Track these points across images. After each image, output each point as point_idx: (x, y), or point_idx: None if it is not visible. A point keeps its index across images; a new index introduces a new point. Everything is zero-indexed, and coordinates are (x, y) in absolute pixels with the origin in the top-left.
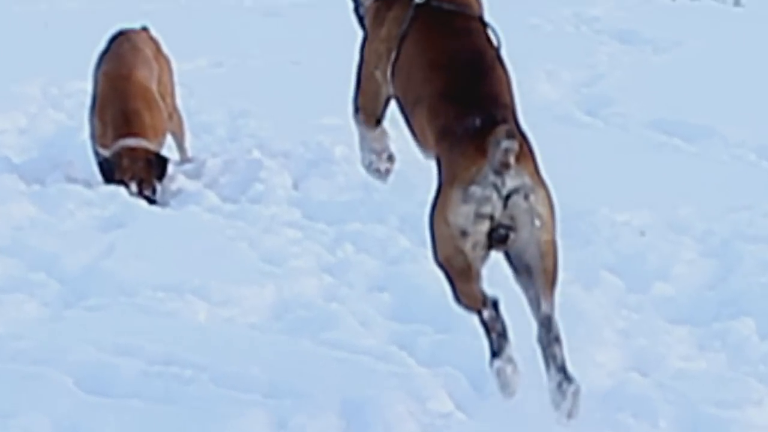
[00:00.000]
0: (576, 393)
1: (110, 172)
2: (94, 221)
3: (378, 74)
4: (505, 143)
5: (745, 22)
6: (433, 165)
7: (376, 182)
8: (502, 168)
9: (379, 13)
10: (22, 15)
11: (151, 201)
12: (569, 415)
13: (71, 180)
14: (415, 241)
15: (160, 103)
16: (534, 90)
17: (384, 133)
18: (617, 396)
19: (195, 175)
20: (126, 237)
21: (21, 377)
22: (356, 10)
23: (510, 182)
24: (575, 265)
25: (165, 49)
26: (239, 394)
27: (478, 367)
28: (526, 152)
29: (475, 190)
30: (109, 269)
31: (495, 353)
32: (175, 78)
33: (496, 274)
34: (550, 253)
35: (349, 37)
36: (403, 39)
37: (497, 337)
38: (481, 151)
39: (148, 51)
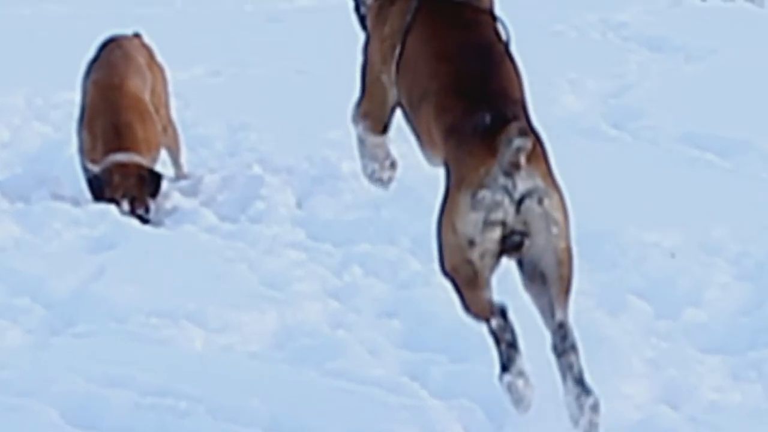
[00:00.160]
0: (595, 407)
1: (100, 189)
2: (82, 242)
3: (384, 78)
4: (518, 142)
5: None
6: (442, 175)
7: (380, 191)
8: (512, 169)
9: (381, 11)
10: (4, 20)
11: (144, 220)
12: (589, 428)
13: (58, 197)
14: (428, 264)
15: (154, 115)
16: (557, 101)
17: (385, 139)
18: (646, 430)
19: (191, 193)
20: (117, 259)
21: (3, 409)
22: (357, 9)
23: (521, 185)
24: (600, 289)
25: (159, 57)
26: (238, 428)
27: (494, 398)
28: (537, 152)
29: (485, 194)
30: (99, 293)
31: (505, 366)
32: (170, 88)
33: (506, 282)
34: (566, 260)
35: (356, 43)
36: (407, 33)
37: (507, 348)
38: (491, 150)
39: (141, 59)
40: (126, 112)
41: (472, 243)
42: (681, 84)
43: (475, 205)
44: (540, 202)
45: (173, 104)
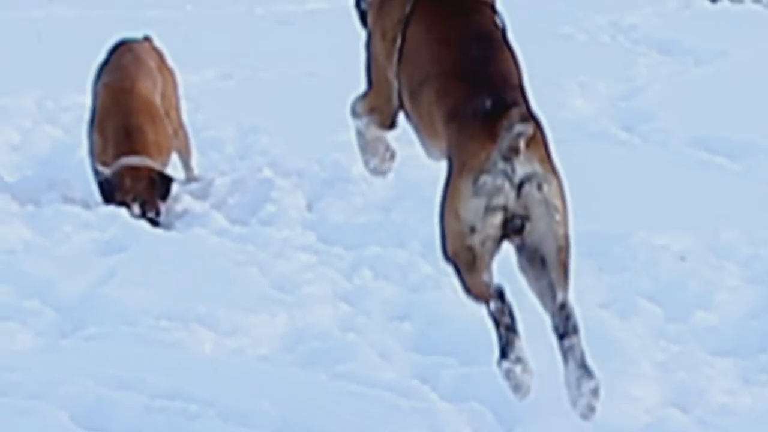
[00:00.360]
0: (595, 391)
1: (110, 192)
2: (92, 245)
3: (389, 74)
4: (518, 127)
5: None
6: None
7: (390, 194)
8: (511, 153)
9: (382, 6)
10: (15, 23)
11: (155, 223)
12: (585, 414)
13: (68, 200)
14: (438, 267)
15: (165, 118)
16: (567, 104)
17: (386, 133)
18: None
19: (202, 196)
20: (127, 262)
21: (13, 412)
22: (357, 5)
23: (520, 169)
24: (610, 291)
25: (169, 60)
26: (248, 430)
27: (504, 402)
28: (537, 138)
29: (486, 180)
30: (109, 296)
31: (503, 352)
32: (181, 91)
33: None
34: (565, 246)
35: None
36: (407, 23)
37: (506, 332)
38: (491, 135)
39: (152, 62)
40: (137, 115)
41: (473, 229)
42: (691, 87)
43: (477, 191)
44: (539, 188)
45: (184, 107)
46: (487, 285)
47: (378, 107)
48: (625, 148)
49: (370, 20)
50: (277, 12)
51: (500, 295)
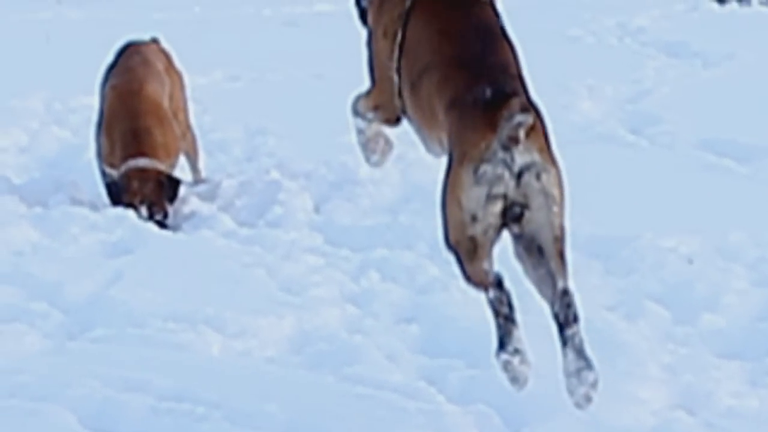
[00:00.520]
0: (595, 383)
1: (118, 194)
2: (100, 246)
3: (392, 72)
4: (519, 117)
5: None
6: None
7: (397, 195)
8: (511, 143)
9: (383, 3)
10: (23, 24)
11: (162, 225)
12: (581, 404)
13: (76, 202)
14: (446, 269)
15: (173, 120)
16: (574, 107)
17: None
18: None
19: (209, 198)
20: (134, 263)
21: (21, 414)
22: (358, 3)
23: (519, 158)
24: (618, 294)
25: (177, 62)
26: None
27: (511, 404)
28: (537, 127)
29: (486, 169)
30: (116, 298)
31: (501, 343)
32: (188, 93)
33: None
34: (561, 236)
35: None
36: (408, 17)
37: (504, 322)
38: (491, 125)
39: (160, 64)
40: (145, 117)
41: (475, 218)
42: (698, 89)
43: (477, 180)
44: (538, 177)
45: (191, 109)
46: (488, 273)
47: (382, 104)
48: (633, 150)
49: (370, 18)
50: (285, 14)
51: (499, 283)
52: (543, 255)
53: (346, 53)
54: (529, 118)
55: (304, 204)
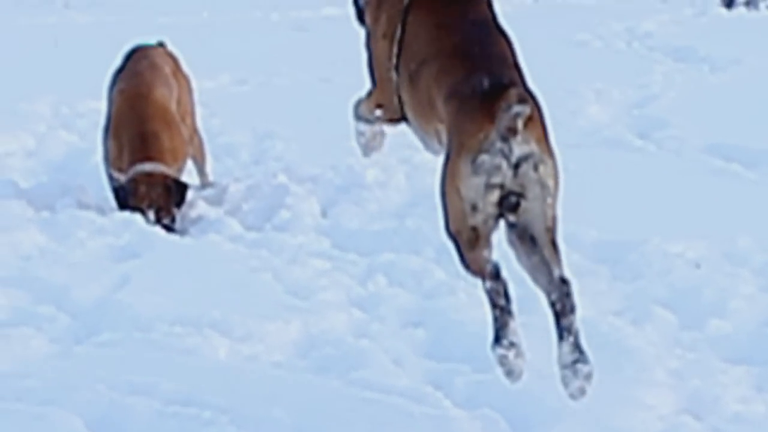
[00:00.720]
0: (589, 376)
1: (125, 198)
2: (107, 251)
3: (392, 71)
4: (517, 108)
5: None
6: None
7: (405, 200)
8: (509, 133)
9: (381, 3)
10: (31, 28)
11: (170, 229)
12: (575, 396)
13: (83, 206)
14: (452, 274)
15: (180, 124)
16: (582, 111)
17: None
18: None
19: (216, 202)
20: (141, 268)
21: (27, 418)
22: (355, 2)
23: (517, 149)
24: (625, 299)
25: (184, 66)
26: None
27: (518, 409)
28: (535, 117)
29: (484, 159)
30: (123, 302)
31: (497, 336)
32: (196, 97)
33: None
34: (553, 227)
35: None
36: (406, 14)
37: (501, 314)
38: (489, 116)
39: (167, 68)
40: (152, 121)
41: (475, 207)
42: (706, 94)
43: (476, 170)
44: (536, 168)
45: (199, 113)
46: (487, 260)
47: (385, 103)
48: (640, 155)
49: (368, 18)
50: (293, 18)
51: (497, 274)
52: (536, 244)
53: (354, 57)
54: (527, 109)
55: (311, 208)
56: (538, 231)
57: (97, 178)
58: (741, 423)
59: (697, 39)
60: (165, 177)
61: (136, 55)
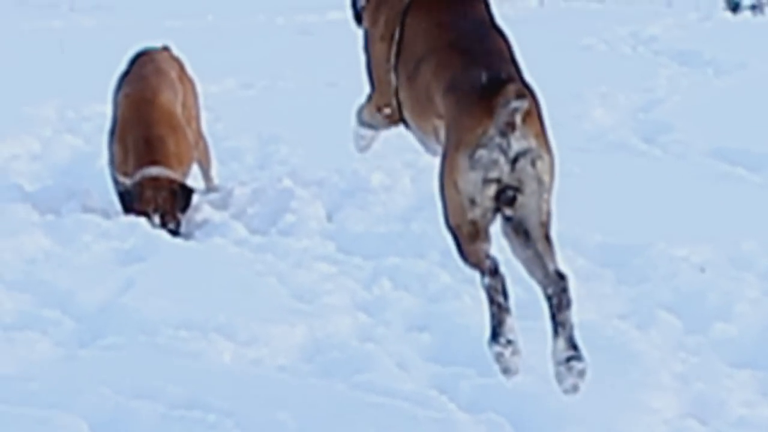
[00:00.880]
0: (582, 372)
1: (131, 202)
2: (112, 254)
3: (390, 74)
4: (515, 103)
5: None
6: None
7: (410, 204)
8: (508, 128)
9: (379, 6)
10: (36, 32)
11: (175, 233)
12: (569, 391)
13: (88, 210)
14: (458, 277)
15: (186, 129)
16: (587, 115)
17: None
18: None
19: (221, 206)
20: (146, 271)
21: (32, 421)
22: (354, 4)
23: (516, 144)
24: (630, 303)
25: (189, 70)
26: None
27: (523, 412)
28: (533, 112)
29: (482, 154)
30: (128, 306)
31: (494, 333)
32: (201, 101)
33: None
34: (547, 221)
35: None
36: (405, 15)
37: (498, 310)
38: (487, 111)
39: (173, 72)
40: (158, 126)
41: (473, 202)
42: (711, 98)
43: (473, 165)
44: (533, 164)
45: (204, 117)
46: (486, 253)
47: (384, 105)
48: (645, 159)
49: (366, 21)
50: (298, 22)
51: (495, 271)
52: (529, 238)
53: (359, 61)
54: (525, 104)
55: (316, 212)
56: (533, 225)
57: (102, 182)
58: (746, 427)
59: (702, 43)
60: (171, 181)
61: (141, 59)
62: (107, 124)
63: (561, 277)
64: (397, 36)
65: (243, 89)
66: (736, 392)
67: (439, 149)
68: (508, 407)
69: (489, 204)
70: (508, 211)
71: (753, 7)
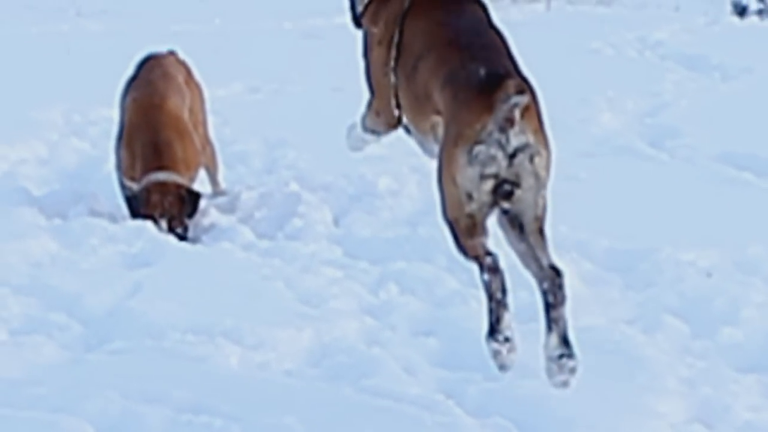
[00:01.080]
0: (573, 370)
1: (138, 207)
2: (119, 258)
3: (389, 77)
4: (515, 99)
5: None
6: None
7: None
8: (507, 124)
9: (378, 9)
10: (43, 36)
11: (182, 238)
12: (558, 386)
13: (95, 214)
14: (465, 282)
15: (193, 133)
16: (594, 119)
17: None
18: None
19: (229, 210)
20: (153, 275)
21: (39, 425)
22: (352, 7)
23: (514, 140)
24: (636, 307)
25: (196, 74)
26: None
27: (530, 417)
28: (531, 107)
29: (480, 149)
30: (135, 310)
31: (492, 329)
32: (208, 105)
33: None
34: (542, 216)
35: None
36: (405, 18)
37: (497, 306)
38: (487, 106)
39: (180, 77)
40: (166, 130)
41: (470, 197)
42: (718, 102)
43: (471, 161)
44: (531, 160)
45: (211, 121)
46: (484, 247)
47: (382, 108)
48: (652, 163)
49: (365, 25)
50: (305, 26)
51: (496, 268)
52: (523, 231)
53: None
54: (524, 99)
55: (323, 216)
56: (528, 219)
57: (109, 186)
58: (752, 431)
59: (709, 48)
60: (178, 186)
61: (149, 63)
62: (114, 129)
63: (557, 273)
64: (396, 39)
65: (250, 93)
66: (742, 397)
67: (436, 146)
68: (515, 412)
69: (486, 198)
70: (506, 205)
71: (760, 12)
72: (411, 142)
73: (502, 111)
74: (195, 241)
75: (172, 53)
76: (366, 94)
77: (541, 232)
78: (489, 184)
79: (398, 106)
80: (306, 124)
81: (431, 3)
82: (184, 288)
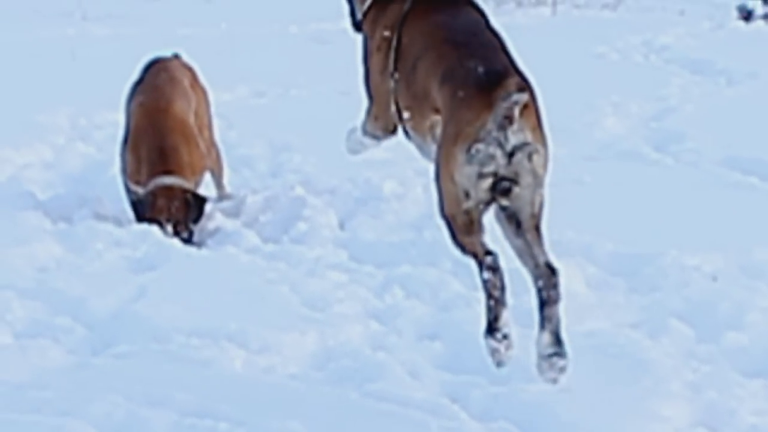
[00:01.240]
0: (564, 368)
1: (144, 211)
2: (124, 262)
3: (387, 83)
4: (515, 97)
5: None
6: None
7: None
8: (506, 122)
9: (377, 16)
10: (48, 40)
11: (187, 242)
12: (548, 382)
13: (100, 218)
14: (469, 286)
15: (199, 138)
16: (599, 124)
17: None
18: None
19: (234, 214)
20: (158, 279)
21: (44, 429)
22: (352, 13)
23: (513, 138)
24: (641, 312)
25: (202, 78)
26: None
27: (534, 421)
28: (530, 105)
29: (479, 148)
30: (140, 314)
31: (490, 327)
32: (213, 109)
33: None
34: (539, 213)
35: None
36: (404, 22)
37: (495, 304)
38: (486, 103)
39: (186, 81)
40: (171, 135)
41: (468, 194)
42: (723, 107)
43: (470, 159)
44: (530, 158)
45: (216, 125)
46: (481, 243)
47: (380, 114)
48: (657, 167)
49: (366, 29)
50: (311, 30)
51: (495, 267)
52: (520, 227)
53: None
54: (524, 97)
55: (328, 220)
56: (524, 216)
57: (114, 190)
58: None
59: (714, 52)
60: (184, 191)
61: (154, 67)
62: (120, 133)
63: (552, 271)
64: (394, 44)
65: (255, 97)
66: (747, 401)
67: (430, 146)
68: (520, 416)
69: (484, 195)
70: (503, 202)
71: (766, 17)
72: (411, 147)
73: (501, 109)
74: (200, 244)
75: (177, 57)
76: (365, 102)
77: (537, 229)
78: (487, 182)
79: (398, 111)
80: (311, 128)
81: (429, 8)
82: (188, 292)
